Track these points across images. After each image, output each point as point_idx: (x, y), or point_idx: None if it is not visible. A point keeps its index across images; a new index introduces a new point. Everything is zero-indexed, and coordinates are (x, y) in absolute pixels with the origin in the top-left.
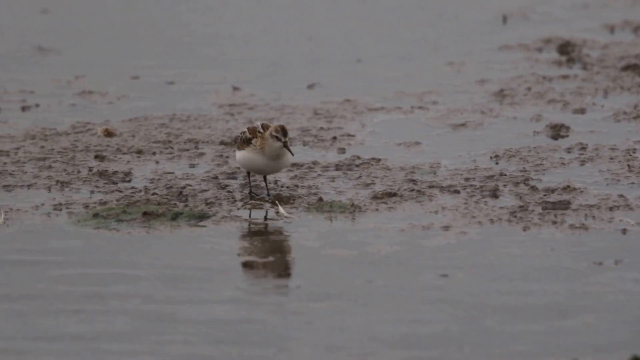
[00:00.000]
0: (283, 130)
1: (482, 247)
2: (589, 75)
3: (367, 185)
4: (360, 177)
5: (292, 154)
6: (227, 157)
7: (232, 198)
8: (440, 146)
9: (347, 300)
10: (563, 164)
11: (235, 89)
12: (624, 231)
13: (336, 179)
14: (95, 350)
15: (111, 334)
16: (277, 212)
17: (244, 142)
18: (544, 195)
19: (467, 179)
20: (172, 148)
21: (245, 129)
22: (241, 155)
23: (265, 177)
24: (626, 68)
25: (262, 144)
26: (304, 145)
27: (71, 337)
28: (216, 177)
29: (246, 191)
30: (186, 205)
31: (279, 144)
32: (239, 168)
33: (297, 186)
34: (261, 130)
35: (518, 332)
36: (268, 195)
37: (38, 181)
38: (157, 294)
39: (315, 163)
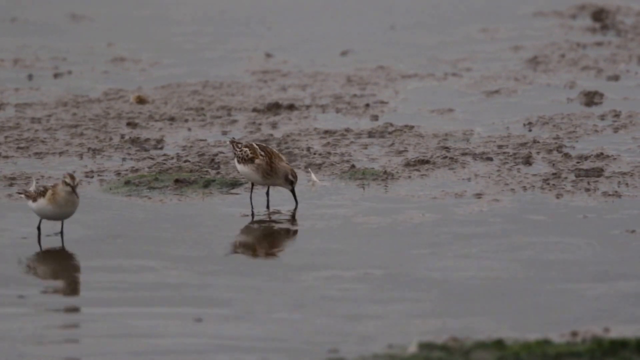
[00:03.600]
0: (72, 178)
1: (515, 215)
2: (623, 42)
3: (400, 152)
4: (393, 144)
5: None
6: (260, 124)
7: None
8: (473, 113)
9: (378, 268)
10: (596, 131)
11: (268, 55)
12: None
13: (369, 146)
14: None
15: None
16: (310, 180)
17: (245, 159)
18: (577, 162)
19: (500, 146)
20: (204, 115)
21: (246, 147)
22: (241, 168)
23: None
24: None
25: (257, 167)
26: (337, 112)
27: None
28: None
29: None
30: (218, 173)
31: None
32: (271, 135)
33: (329, 153)
34: (262, 153)
35: (550, 299)
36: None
37: (70, 148)
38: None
39: (348, 130)
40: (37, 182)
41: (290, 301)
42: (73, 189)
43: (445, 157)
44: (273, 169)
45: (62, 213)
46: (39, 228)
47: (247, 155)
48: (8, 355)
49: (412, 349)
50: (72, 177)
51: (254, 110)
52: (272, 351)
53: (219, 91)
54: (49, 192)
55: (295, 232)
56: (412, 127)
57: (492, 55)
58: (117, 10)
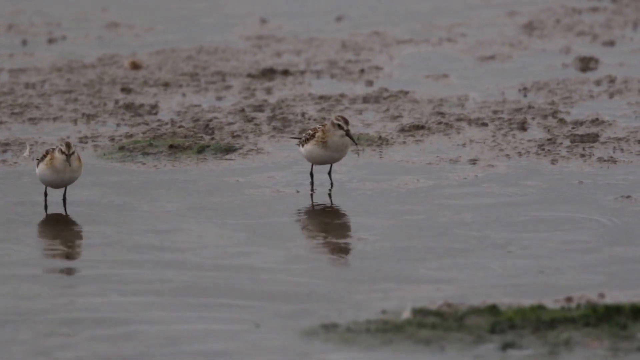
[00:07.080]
0: (344, 119)
1: (510, 181)
2: (619, 8)
3: (395, 117)
4: (387, 109)
5: (355, 143)
6: (255, 89)
7: (259, 131)
8: (468, 79)
9: (374, 235)
10: (592, 96)
11: (263, 21)
12: None
13: (363, 111)
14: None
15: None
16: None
17: (307, 138)
18: (573, 128)
19: (495, 112)
20: (199, 81)
21: (310, 130)
22: (305, 149)
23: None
24: None
25: (324, 136)
26: (332, 77)
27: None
28: (243, 110)
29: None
30: (212, 138)
31: (340, 132)
32: (265, 100)
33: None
34: (321, 126)
35: (545, 264)
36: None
37: (64, 114)
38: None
39: (342, 95)
40: (30, 148)
41: (283, 260)
42: (67, 157)
43: (440, 122)
44: (325, 133)
45: (59, 179)
46: (45, 194)
47: (309, 134)
48: None
49: (406, 314)
50: (68, 145)
51: (249, 75)
52: (265, 316)
53: (213, 57)
54: (48, 158)
55: (289, 197)
56: (407, 92)
57: (487, 21)
58: None
